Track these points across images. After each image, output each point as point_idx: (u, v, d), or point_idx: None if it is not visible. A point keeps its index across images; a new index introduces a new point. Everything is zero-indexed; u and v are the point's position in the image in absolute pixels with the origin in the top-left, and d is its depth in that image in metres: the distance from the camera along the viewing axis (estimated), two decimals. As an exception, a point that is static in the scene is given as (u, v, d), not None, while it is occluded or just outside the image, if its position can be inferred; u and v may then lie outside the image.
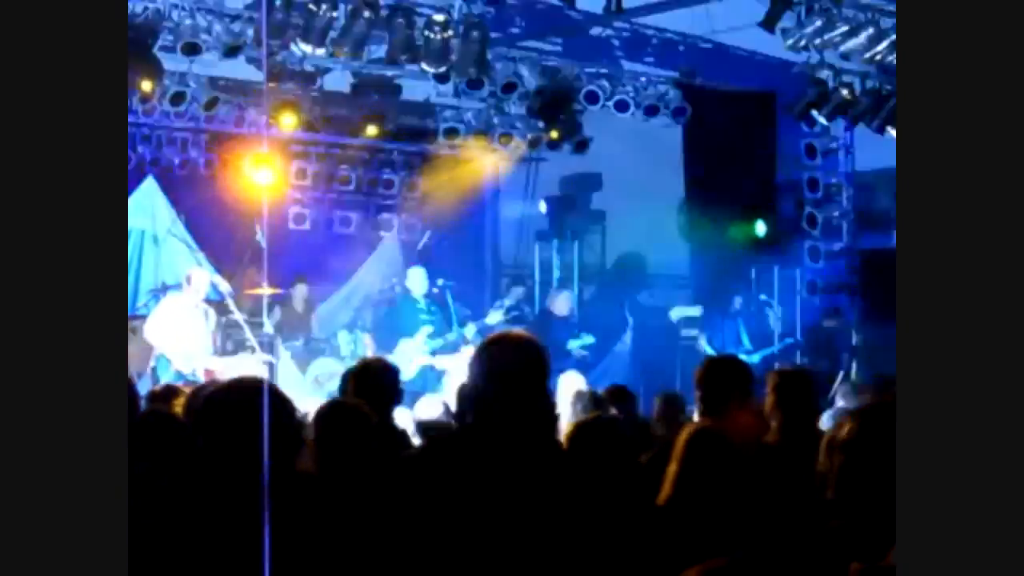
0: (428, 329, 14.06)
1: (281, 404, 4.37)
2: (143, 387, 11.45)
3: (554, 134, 18.00)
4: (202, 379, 13.41)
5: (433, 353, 14.00)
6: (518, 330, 4.52)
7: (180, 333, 13.73)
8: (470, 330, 14.55)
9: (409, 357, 13.98)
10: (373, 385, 6.74)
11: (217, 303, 15.78)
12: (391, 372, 7.06)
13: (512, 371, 4.27)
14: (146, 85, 14.87)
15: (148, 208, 18.63)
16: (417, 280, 14.23)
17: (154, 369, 13.83)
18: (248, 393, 4.31)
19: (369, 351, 17.07)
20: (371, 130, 18.34)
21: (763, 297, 17.92)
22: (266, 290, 16.77)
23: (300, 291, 17.76)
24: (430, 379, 14.54)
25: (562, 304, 14.93)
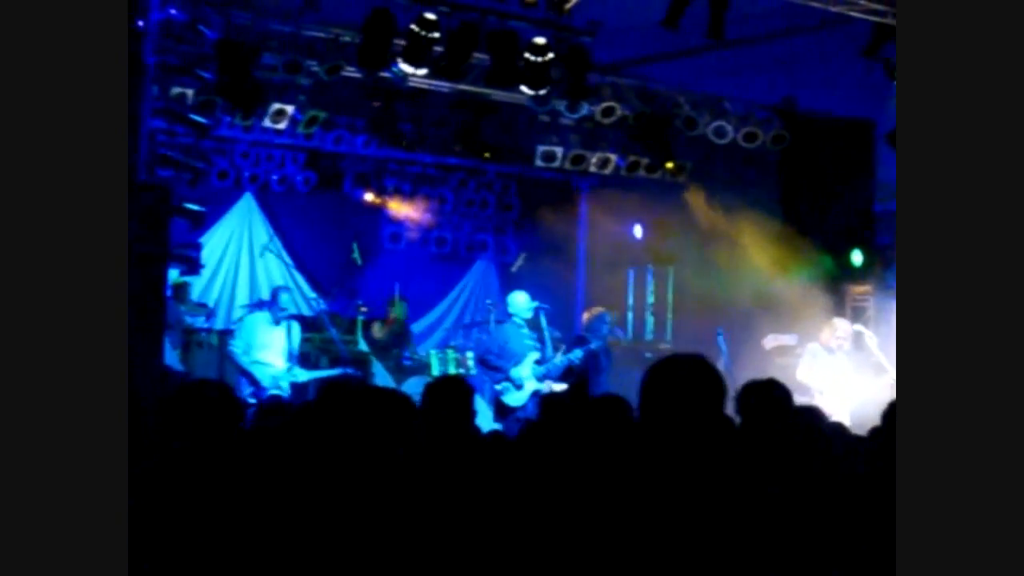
0: (535, 355, 14.07)
1: (401, 409, 4.46)
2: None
3: (651, 158, 17.98)
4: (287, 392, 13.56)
5: (541, 378, 14.00)
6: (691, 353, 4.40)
7: (263, 348, 13.82)
8: (576, 355, 14.53)
9: (521, 382, 13.99)
10: (447, 400, 6.74)
11: (311, 319, 15.92)
12: (465, 388, 7.02)
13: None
14: (247, 102, 15.02)
15: (245, 224, 18.85)
16: (522, 303, 14.20)
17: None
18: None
19: (461, 371, 17.13)
20: (467, 150, 18.40)
21: (857, 327, 17.69)
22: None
23: (397, 310, 17.82)
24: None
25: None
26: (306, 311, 17.16)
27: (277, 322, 13.97)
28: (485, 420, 13.96)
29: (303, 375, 13.91)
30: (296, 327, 14.20)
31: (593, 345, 15.07)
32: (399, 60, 13.97)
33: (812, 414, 8.12)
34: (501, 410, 14.13)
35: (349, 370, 14.87)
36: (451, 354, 17.34)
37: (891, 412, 6.36)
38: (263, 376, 13.55)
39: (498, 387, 14.16)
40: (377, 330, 17.53)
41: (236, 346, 13.86)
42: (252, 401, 13.22)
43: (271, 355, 13.78)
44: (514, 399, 13.97)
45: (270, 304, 14.26)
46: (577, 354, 14.58)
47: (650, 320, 20.69)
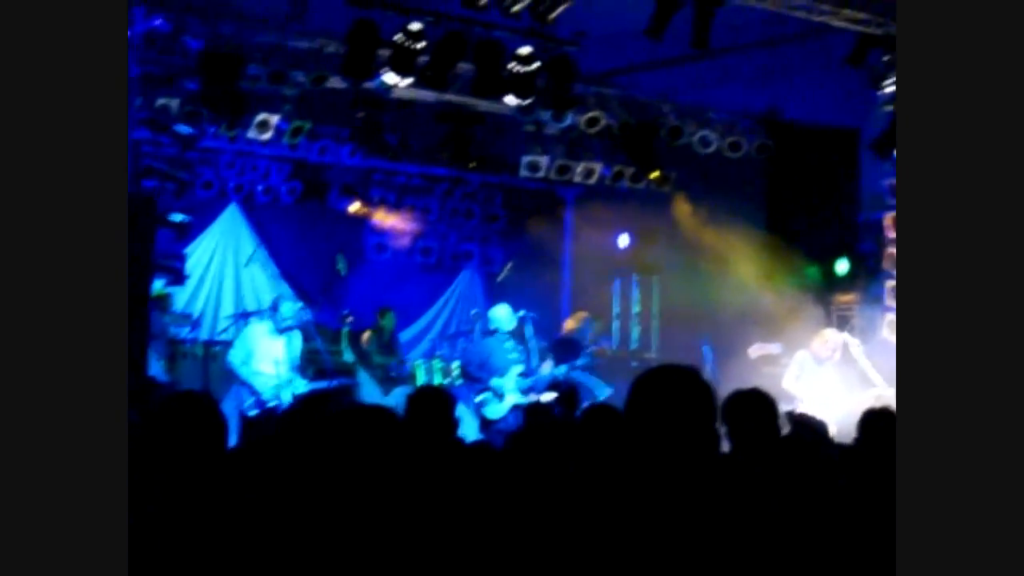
0: (519, 368, 14.04)
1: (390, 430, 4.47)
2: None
3: (636, 168, 17.98)
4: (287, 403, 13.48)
5: (525, 391, 13.97)
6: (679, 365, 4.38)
7: (263, 359, 13.72)
8: (561, 370, 14.51)
9: (502, 393, 13.96)
10: (429, 410, 6.73)
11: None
12: (447, 399, 7.00)
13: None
14: (231, 113, 14.98)
15: (230, 235, 18.81)
16: (504, 317, 14.18)
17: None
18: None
19: (447, 380, 17.11)
20: (453, 160, 18.40)
21: (844, 336, 17.68)
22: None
23: (386, 321, 17.77)
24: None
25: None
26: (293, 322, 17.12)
27: (280, 332, 13.88)
28: (471, 430, 13.93)
29: (303, 386, 13.83)
30: (297, 337, 14.10)
31: (579, 362, 15.04)
32: (384, 70, 13.95)
33: (801, 423, 8.15)
34: (483, 422, 14.09)
35: (346, 381, 14.84)
36: (437, 364, 17.32)
37: (867, 421, 6.39)
38: (263, 387, 13.47)
39: (478, 399, 14.12)
40: (366, 341, 17.46)
41: (234, 356, 13.74)
42: (255, 412, 13.20)
43: (271, 365, 13.69)
44: (494, 411, 13.92)
45: (272, 313, 14.17)
46: (562, 370, 14.56)
47: (635, 330, 20.70)
